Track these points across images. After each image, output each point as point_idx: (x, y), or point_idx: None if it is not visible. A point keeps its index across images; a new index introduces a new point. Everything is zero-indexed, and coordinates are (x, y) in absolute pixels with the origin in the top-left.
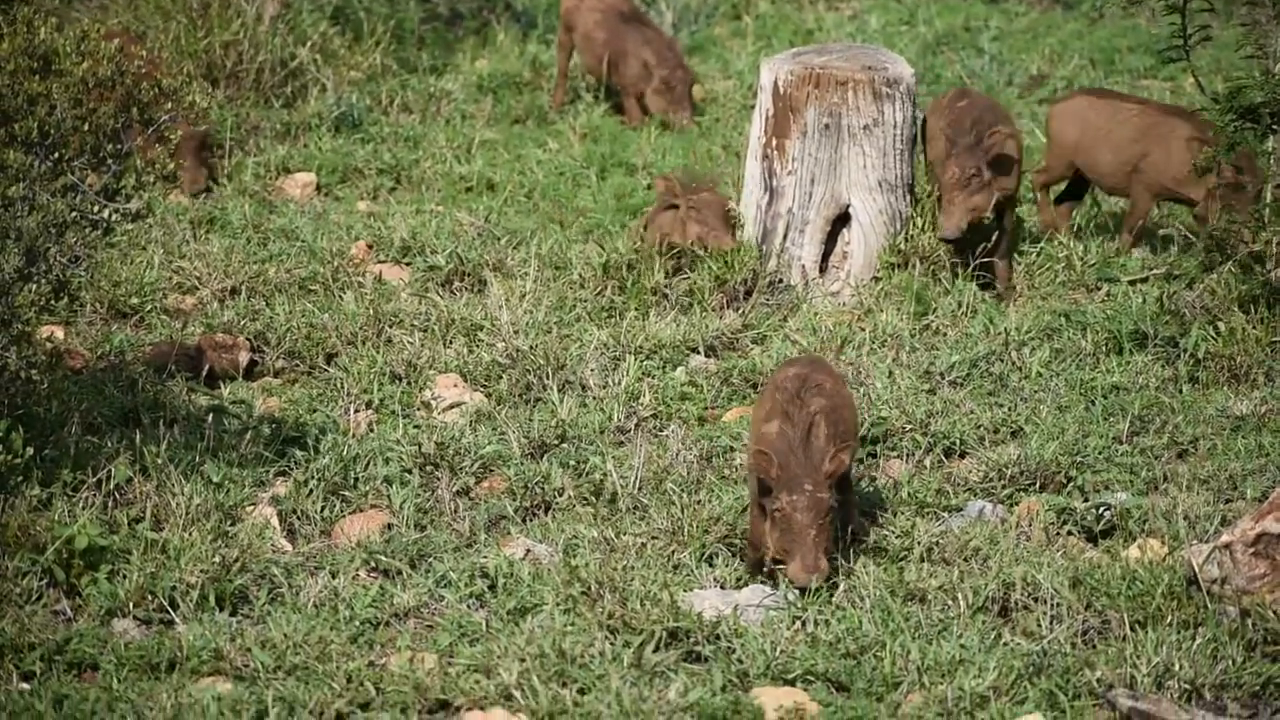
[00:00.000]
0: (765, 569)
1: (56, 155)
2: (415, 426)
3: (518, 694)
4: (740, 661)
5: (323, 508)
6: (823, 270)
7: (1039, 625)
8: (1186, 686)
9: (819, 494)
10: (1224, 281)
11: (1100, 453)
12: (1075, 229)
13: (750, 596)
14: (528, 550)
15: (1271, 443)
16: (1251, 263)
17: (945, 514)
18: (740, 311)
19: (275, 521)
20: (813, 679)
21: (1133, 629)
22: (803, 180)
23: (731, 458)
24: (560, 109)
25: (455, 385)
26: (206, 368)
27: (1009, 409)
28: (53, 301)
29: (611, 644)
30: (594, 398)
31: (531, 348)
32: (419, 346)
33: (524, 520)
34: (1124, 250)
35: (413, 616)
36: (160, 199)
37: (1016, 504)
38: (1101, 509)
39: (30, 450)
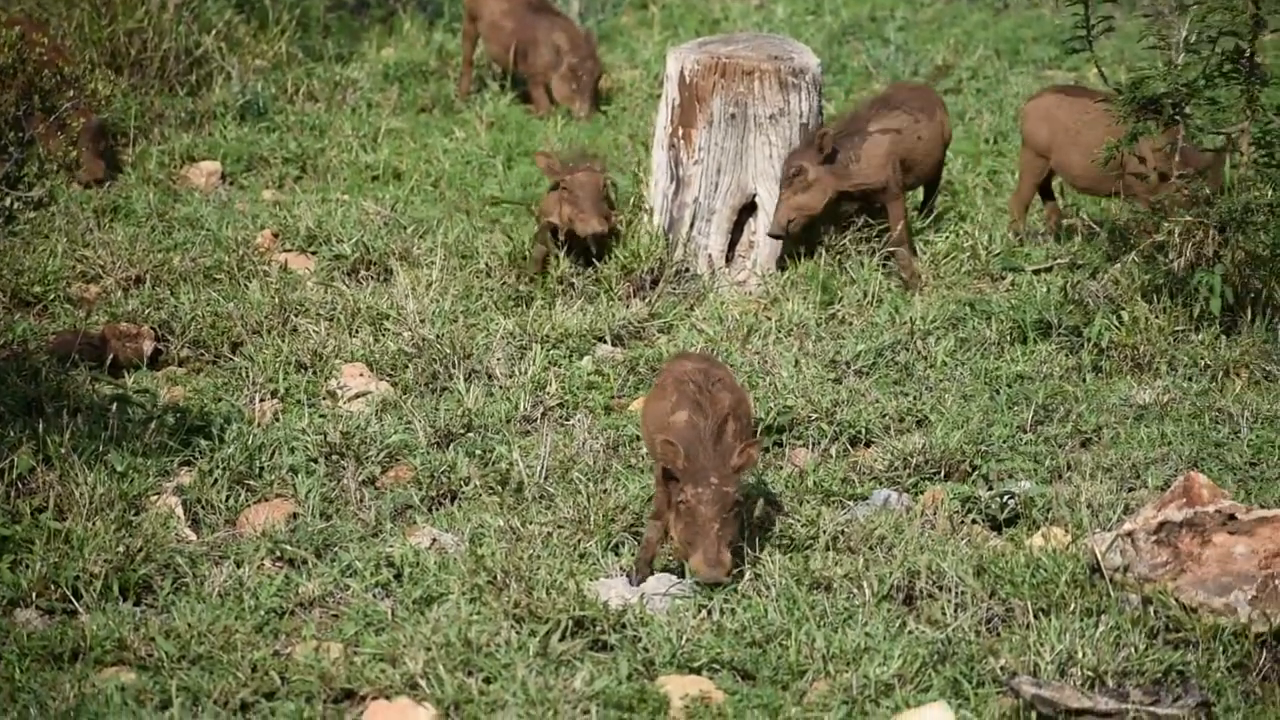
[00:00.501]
0: (649, 571)
1: None
2: (321, 416)
3: (423, 683)
4: (646, 650)
5: (228, 497)
6: (729, 260)
7: (943, 613)
8: (1089, 674)
9: (724, 488)
10: (1127, 271)
11: (1005, 441)
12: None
13: (656, 585)
14: (434, 539)
15: (1174, 431)
16: (1154, 252)
17: (851, 503)
18: (647, 300)
19: (180, 511)
20: (718, 667)
21: (1036, 617)
22: (709, 170)
23: (638, 447)
24: (466, 98)
25: (361, 374)
26: (110, 357)
27: (914, 398)
28: None
29: (517, 633)
30: (500, 387)
31: (438, 337)
32: (325, 335)
33: (430, 509)
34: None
35: (318, 606)
36: (63, 187)
37: (921, 492)
38: (1005, 497)
39: None
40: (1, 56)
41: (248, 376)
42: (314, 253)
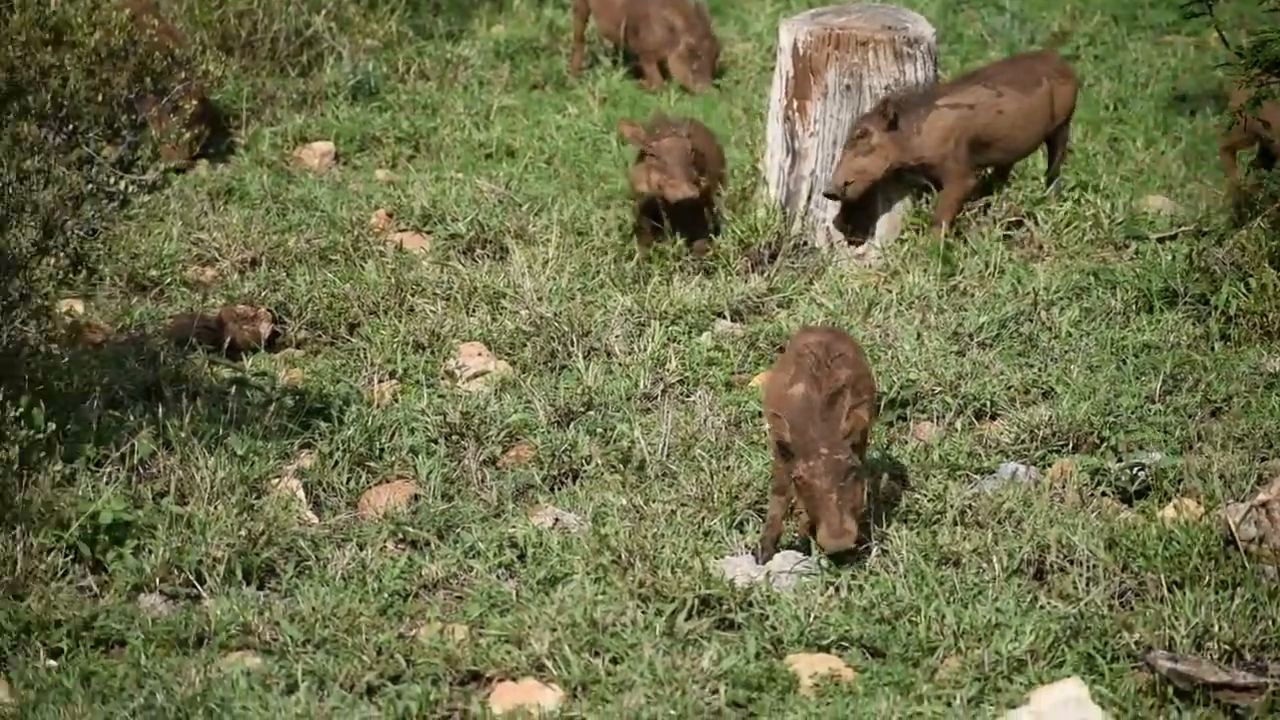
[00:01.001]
0: (775, 548)
1: (71, 127)
2: (440, 396)
3: (549, 664)
4: (774, 628)
5: (348, 479)
6: (848, 232)
7: (1075, 588)
8: (1226, 647)
9: (836, 456)
10: (1254, 237)
11: (1133, 412)
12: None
13: (782, 563)
14: (556, 519)
15: None
16: None
17: (977, 476)
18: (765, 275)
19: (301, 494)
20: (847, 645)
21: (1170, 590)
22: (825, 142)
23: (760, 423)
24: (578, 74)
25: (479, 354)
26: (228, 340)
27: (1039, 369)
28: (71, 275)
29: (643, 612)
30: (620, 364)
31: (555, 315)
32: (442, 315)
33: (552, 489)
34: None
35: (442, 588)
36: (176, 171)
37: (1049, 465)
38: (1136, 469)
39: (52, 426)
40: (113, 39)
41: (365, 357)
42: (429, 232)
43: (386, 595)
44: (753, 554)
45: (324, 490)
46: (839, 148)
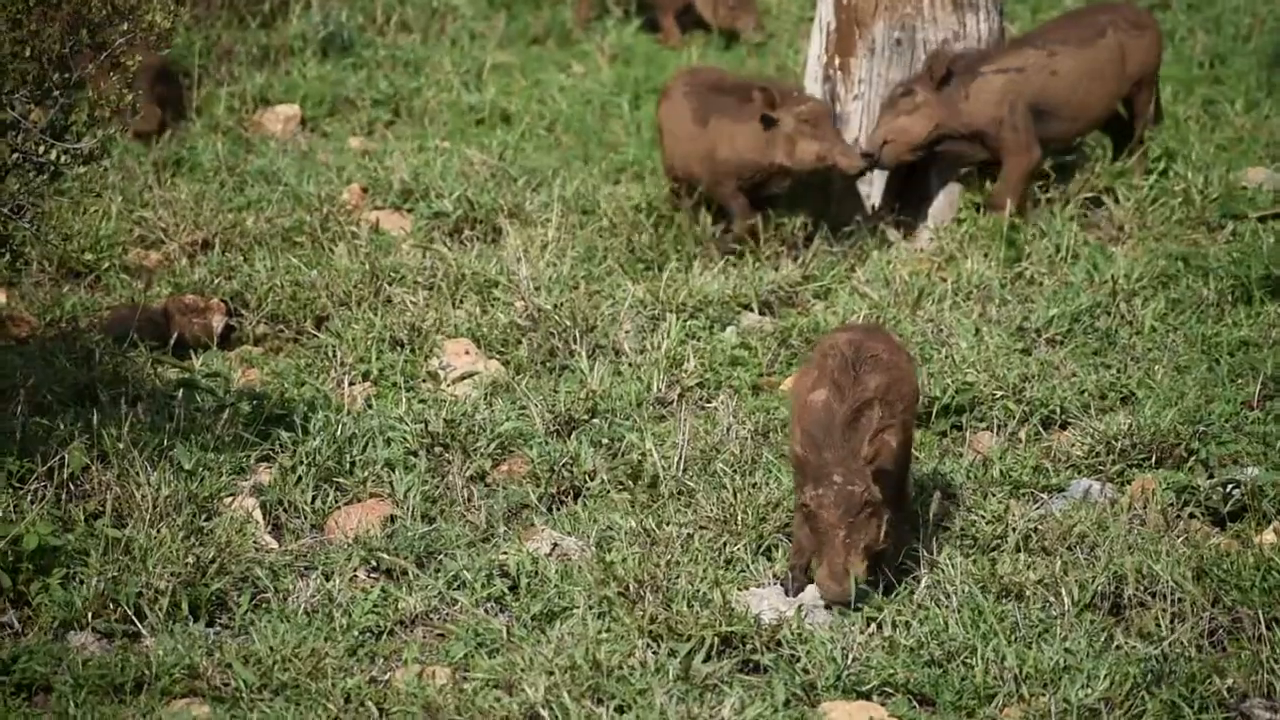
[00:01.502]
0: (806, 578)
1: None
2: (420, 401)
3: (545, 713)
4: (806, 671)
5: (314, 498)
6: (896, 211)
7: (1158, 625)
8: None
9: (851, 487)
10: None
11: (1227, 420)
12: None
13: (816, 595)
14: (554, 544)
15: None
16: None
17: (1044, 495)
18: (800, 261)
19: (258, 515)
20: (891, 691)
21: (1269, 628)
22: (871, 106)
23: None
24: (585, 25)
25: (467, 352)
26: (175, 335)
27: (1118, 371)
28: None
29: (654, 653)
30: (630, 364)
31: (555, 307)
32: (424, 307)
33: (549, 509)
34: None
35: (421, 624)
36: (118, 138)
37: (1128, 482)
38: (1229, 487)
39: None
40: None
41: (334, 356)
42: (410, 210)
43: (356, 633)
44: (781, 585)
45: (285, 510)
46: None
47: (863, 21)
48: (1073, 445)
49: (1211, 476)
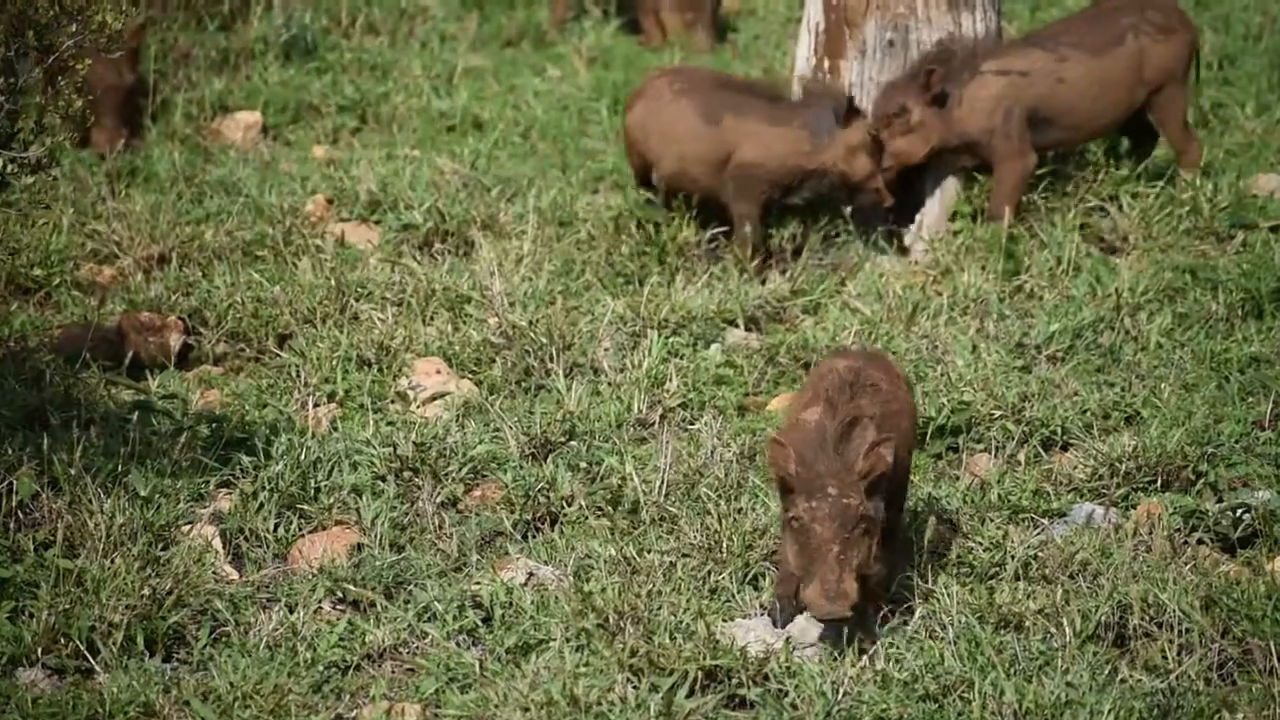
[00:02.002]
0: (795, 608)
1: None
2: (389, 423)
3: None
4: (794, 707)
5: (276, 526)
6: (890, 221)
7: (1164, 657)
8: None
9: (845, 499)
10: None
11: (1237, 441)
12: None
13: (806, 626)
14: (530, 574)
15: None
16: None
17: (1045, 520)
18: (788, 274)
19: (218, 543)
20: None
21: None
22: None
23: None
24: (562, 27)
25: (438, 371)
26: (130, 354)
27: (1122, 389)
28: None
29: (635, 688)
30: (609, 384)
31: (531, 323)
32: (392, 325)
33: (525, 537)
34: None
35: (389, 658)
36: (69, 147)
37: (1133, 507)
38: (1240, 511)
39: None
40: None
41: (298, 376)
42: (378, 222)
43: (321, 667)
44: (769, 615)
45: (246, 539)
46: None
47: (853, 22)
48: (1075, 468)
49: (1220, 500)
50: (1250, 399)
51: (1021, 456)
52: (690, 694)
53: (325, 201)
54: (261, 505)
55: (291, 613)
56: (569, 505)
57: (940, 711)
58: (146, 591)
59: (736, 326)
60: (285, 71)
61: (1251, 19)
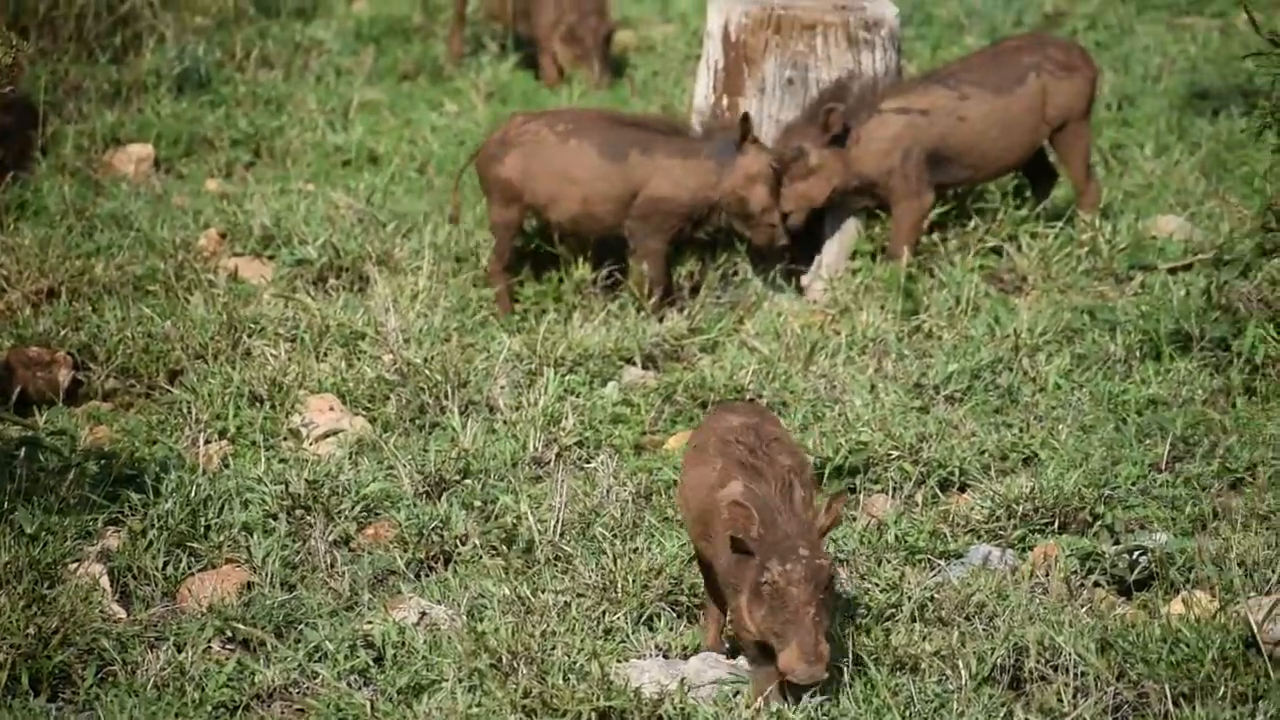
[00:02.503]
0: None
1: None
2: (281, 460)
3: None
4: None
5: (165, 564)
6: (787, 260)
7: (1060, 700)
8: None
9: (817, 559)
10: None
11: (1134, 484)
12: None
13: (700, 667)
14: (423, 613)
15: None
16: None
17: (942, 562)
18: (686, 313)
19: (105, 582)
20: None
21: (1176, 704)
22: None
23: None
24: (459, 61)
25: (331, 408)
26: (17, 390)
27: (1020, 430)
28: None
29: None
30: (504, 422)
31: (426, 360)
32: (285, 361)
33: (418, 576)
34: None
35: (279, 698)
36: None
37: (1030, 548)
38: (1136, 554)
39: None
40: None
41: (189, 413)
42: (271, 257)
43: (210, 708)
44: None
45: (134, 577)
46: None
47: (752, 59)
48: (972, 509)
49: (1117, 543)
50: (1148, 441)
51: (919, 497)
52: None
53: (218, 236)
54: (150, 543)
55: (180, 652)
56: (463, 544)
57: None
58: (32, 630)
59: (634, 364)
60: (178, 104)
61: (1151, 60)
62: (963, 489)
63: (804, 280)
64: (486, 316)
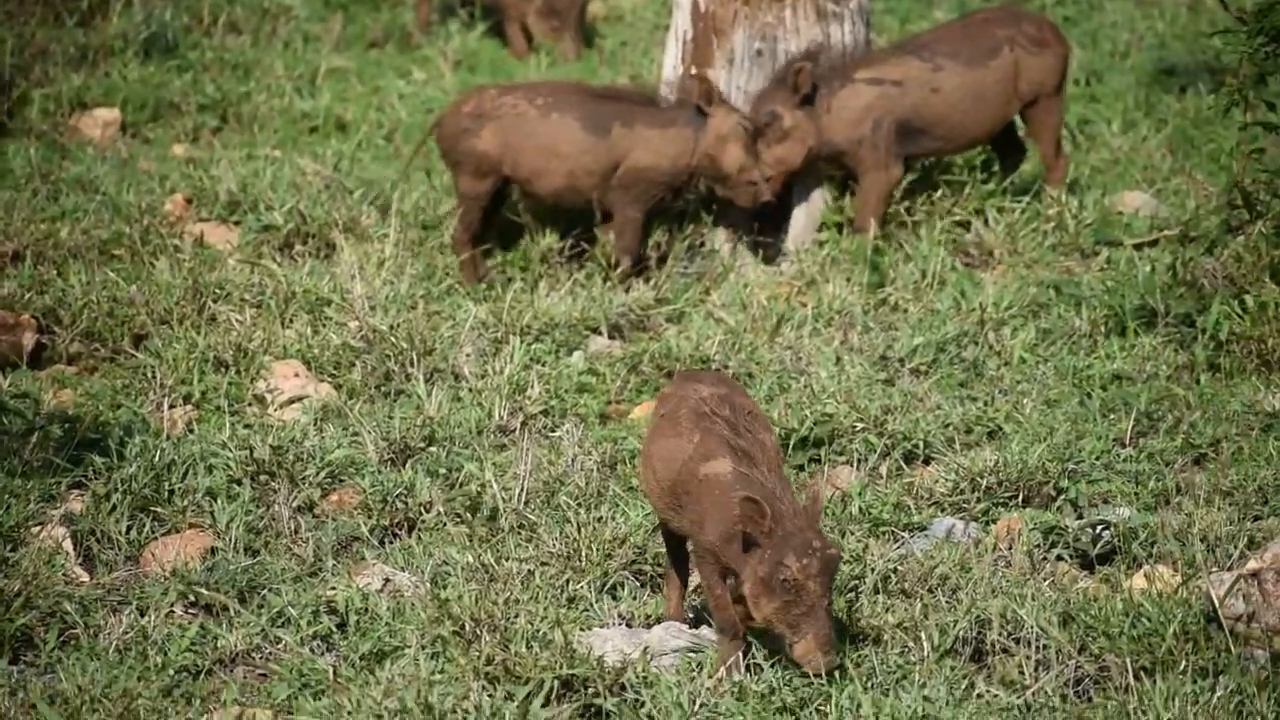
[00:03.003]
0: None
1: None
2: (245, 426)
3: None
4: (651, 717)
5: (129, 528)
6: (755, 231)
7: (1021, 673)
8: None
9: (829, 550)
10: (1253, 246)
11: (1098, 458)
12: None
13: (663, 636)
14: (386, 580)
15: None
16: None
17: (905, 534)
18: (652, 283)
19: (68, 545)
20: None
21: (1137, 677)
22: None
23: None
24: (427, 30)
25: (296, 374)
26: None
27: (984, 404)
28: None
29: (490, 696)
30: (470, 390)
31: (392, 328)
32: (250, 326)
33: (381, 543)
34: None
35: (242, 663)
36: None
37: (993, 522)
38: (1099, 528)
39: None
40: None
41: (154, 377)
42: (237, 223)
43: (172, 672)
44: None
45: (97, 541)
46: None
47: (721, 31)
48: (936, 482)
49: (1080, 517)
50: (1112, 416)
51: (883, 470)
52: (546, 703)
53: (184, 201)
54: (114, 507)
55: (143, 616)
56: (427, 511)
57: None
58: None
59: (600, 334)
60: (145, 69)
61: (1119, 36)
62: (927, 462)
63: (771, 251)
64: (452, 285)
